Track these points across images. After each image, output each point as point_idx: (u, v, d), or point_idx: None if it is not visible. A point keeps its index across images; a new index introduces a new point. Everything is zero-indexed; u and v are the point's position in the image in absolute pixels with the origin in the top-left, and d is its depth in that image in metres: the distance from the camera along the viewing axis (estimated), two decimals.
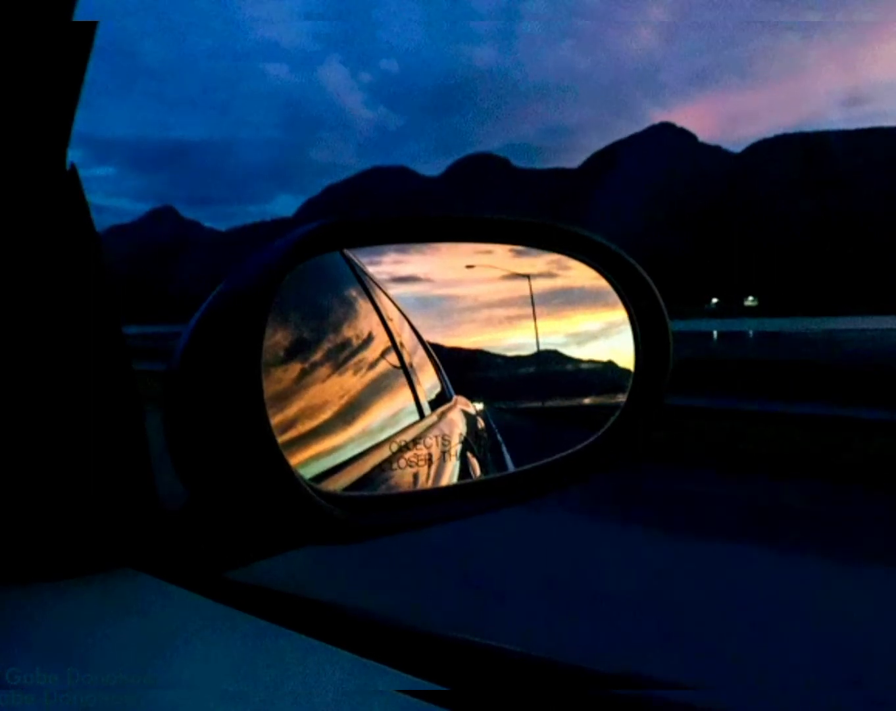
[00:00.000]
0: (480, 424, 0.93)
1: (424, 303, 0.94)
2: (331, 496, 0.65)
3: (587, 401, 1.03)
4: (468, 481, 0.86)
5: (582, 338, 0.99)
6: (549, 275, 0.95)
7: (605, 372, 0.98)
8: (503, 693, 0.59)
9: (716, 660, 2.80)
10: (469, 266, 0.91)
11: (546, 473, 0.84)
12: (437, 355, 0.98)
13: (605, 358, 0.99)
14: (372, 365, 0.89)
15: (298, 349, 0.71)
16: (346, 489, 0.70)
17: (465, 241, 0.87)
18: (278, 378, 0.65)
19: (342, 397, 0.77)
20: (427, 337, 0.98)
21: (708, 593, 3.63)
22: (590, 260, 0.90)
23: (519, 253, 0.92)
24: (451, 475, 0.85)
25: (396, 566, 3.45)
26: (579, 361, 1.00)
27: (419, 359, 0.99)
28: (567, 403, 1.05)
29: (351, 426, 0.78)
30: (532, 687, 0.60)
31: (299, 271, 0.64)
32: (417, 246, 0.85)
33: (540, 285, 0.95)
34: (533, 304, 0.94)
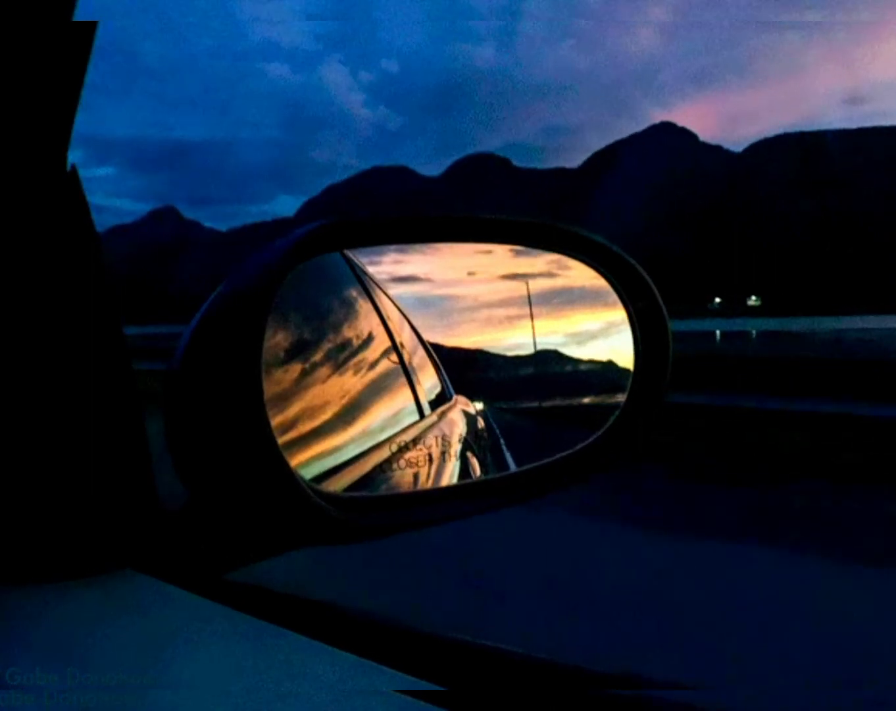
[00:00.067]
0: (480, 424, 0.93)
1: (424, 303, 0.94)
2: (331, 497, 0.65)
3: (587, 401, 1.03)
4: (468, 481, 0.86)
5: (582, 338, 0.99)
6: (549, 275, 0.95)
7: (605, 372, 0.98)
8: (502, 693, 0.59)
9: (716, 661, 2.80)
10: (470, 273, 0.91)
11: (546, 473, 0.84)
12: (437, 355, 0.98)
13: (604, 358, 0.99)
14: (372, 365, 0.89)
15: (299, 350, 0.71)
16: (347, 489, 0.70)
17: (465, 241, 0.87)
18: (278, 379, 0.65)
19: (342, 397, 0.77)
20: (427, 337, 0.98)
21: (708, 592, 3.63)
22: (590, 260, 0.90)
23: (519, 253, 0.92)
24: (451, 475, 0.85)
25: (396, 566, 3.45)
26: (579, 361, 1.00)
27: (419, 359, 0.99)
28: (567, 403, 1.05)
29: (351, 427, 0.78)
30: (531, 687, 0.60)
31: (299, 272, 0.64)
32: (417, 246, 0.85)
33: (540, 284, 0.95)
34: (530, 304, 0.94)
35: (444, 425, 0.96)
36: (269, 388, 0.59)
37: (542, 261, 0.93)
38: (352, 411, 0.79)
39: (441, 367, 0.99)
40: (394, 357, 0.95)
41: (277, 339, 0.65)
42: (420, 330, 0.97)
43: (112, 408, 0.70)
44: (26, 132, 0.67)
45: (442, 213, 0.79)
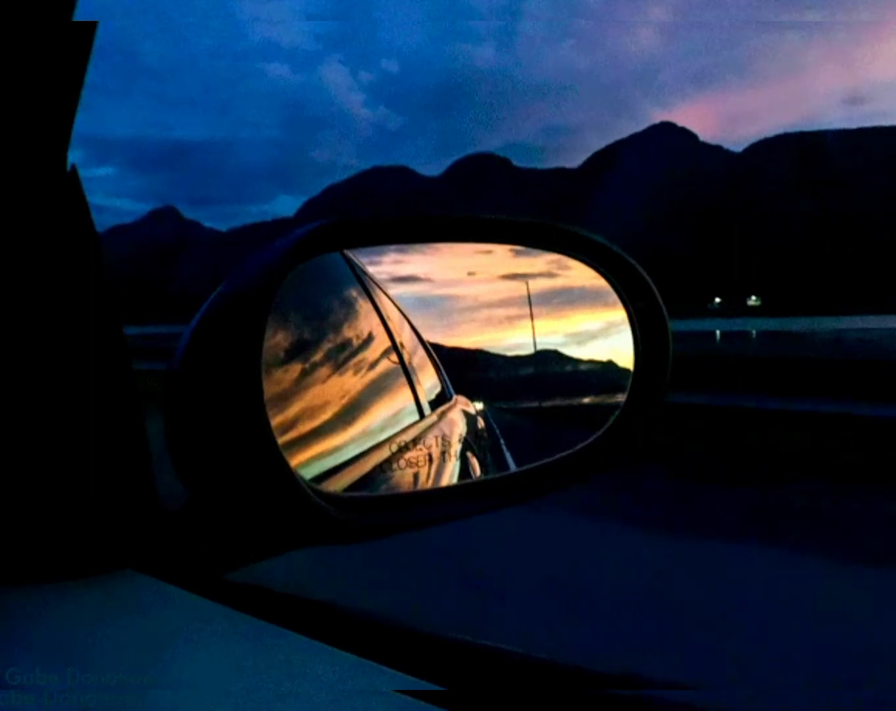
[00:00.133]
0: (480, 424, 0.93)
1: (424, 303, 0.94)
2: (331, 497, 0.65)
3: (587, 401, 1.03)
4: (468, 481, 0.86)
5: (582, 338, 0.99)
6: (549, 275, 0.95)
7: (605, 372, 0.98)
8: (502, 693, 0.59)
9: (716, 661, 2.80)
10: (470, 273, 0.91)
11: (546, 473, 0.84)
12: (437, 355, 0.98)
13: (604, 358, 0.99)
14: (372, 365, 0.89)
15: (299, 350, 0.71)
16: (347, 489, 0.70)
17: (465, 241, 0.87)
18: (278, 379, 0.65)
19: (342, 397, 0.77)
20: (427, 337, 0.98)
21: (707, 592, 3.63)
22: (590, 260, 0.90)
23: (519, 253, 0.92)
24: (451, 475, 0.85)
25: (396, 566, 3.45)
26: (579, 361, 1.00)
27: (419, 359, 0.99)
28: (567, 402, 1.05)
29: (351, 427, 0.78)
30: (531, 687, 0.60)
31: (299, 272, 0.64)
32: (417, 246, 0.85)
33: (540, 284, 0.95)
34: (530, 304, 0.94)
35: (444, 425, 0.96)
36: (269, 388, 0.59)
37: (542, 261, 0.93)
38: (352, 411, 0.79)
39: (441, 367, 0.99)
40: (394, 357, 0.95)
41: (277, 339, 0.65)
42: (420, 330, 0.97)
43: (112, 408, 0.70)
44: (26, 132, 0.67)
45: (442, 213, 0.79)
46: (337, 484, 0.69)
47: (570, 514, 4.71)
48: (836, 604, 3.40)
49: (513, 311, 0.94)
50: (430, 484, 0.81)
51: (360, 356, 0.86)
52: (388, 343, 0.95)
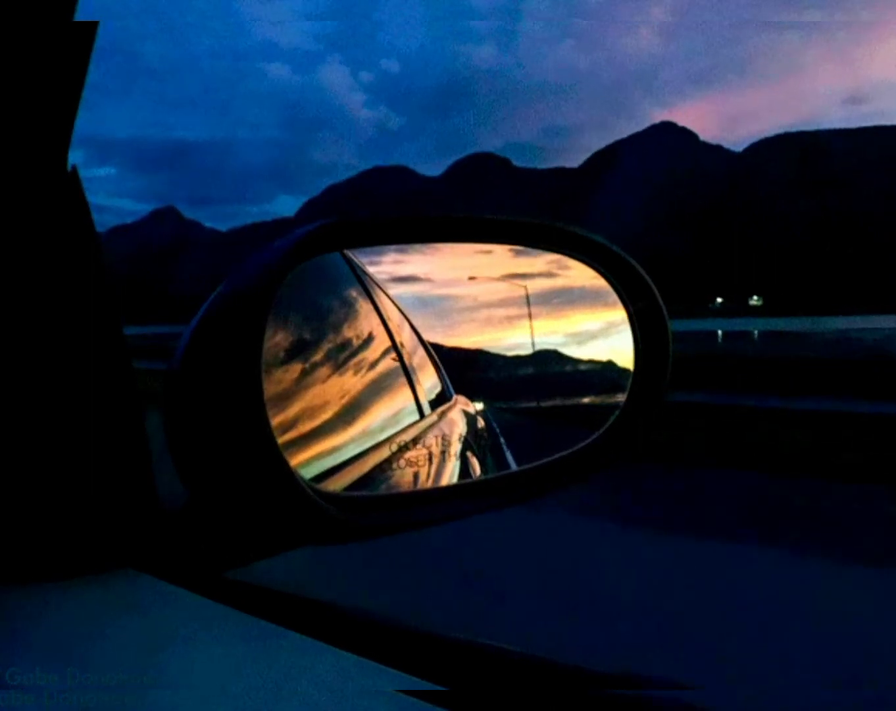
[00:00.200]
0: (480, 423, 0.93)
1: (424, 303, 0.94)
2: (331, 497, 0.66)
3: (587, 401, 1.04)
4: (468, 480, 0.86)
5: (582, 338, 0.99)
6: (549, 275, 0.95)
7: (605, 372, 0.98)
8: (503, 693, 0.59)
9: (715, 661, 2.80)
10: (471, 278, 0.91)
11: (546, 473, 0.84)
12: (437, 354, 0.98)
13: (604, 358, 0.99)
14: (372, 365, 0.89)
15: (299, 350, 0.71)
16: (347, 489, 0.70)
17: (465, 241, 0.87)
18: (279, 379, 0.65)
19: (342, 397, 0.77)
20: (427, 337, 0.98)
21: (706, 592, 3.63)
22: (589, 260, 0.90)
23: (519, 253, 0.92)
24: (451, 474, 0.85)
25: (396, 565, 3.45)
26: (579, 360, 1.00)
27: (419, 359, 0.99)
28: (567, 402, 1.05)
29: (351, 426, 0.78)
30: (532, 687, 0.60)
31: (299, 272, 0.64)
32: (417, 246, 0.85)
33: (540, 284, 0.95)
34: (529, 305, 0.94)
35: (444, 424, 0.96)
36: (269, 388, 0.60)
37: (542, 261, 0.93)
38: (352, 410, 0.79)
39: (441, 367, 0.99)
40: (394, 357, 0.95)
41: (277, 339, 0.65)
42: (420, 330, 0.97)
43: (112, 408, 0.70)
44: (27, 132, 0.67)
45: (442, 213, 0.79)
46: (337, 484, 0.69)
47: (569, 513, 4.71)
48: (835, 604, 3.40)
49: (513, 311, 0.95)
50: (430, 484, 0.81)
51: (360, 356, 0.86)
52: (388, 343, 0.95)
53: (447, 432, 0.92)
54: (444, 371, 1.00)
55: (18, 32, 0.64)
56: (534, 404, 1.01)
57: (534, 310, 0.94)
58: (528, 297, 0.94)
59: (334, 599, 0.71)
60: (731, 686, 2.54)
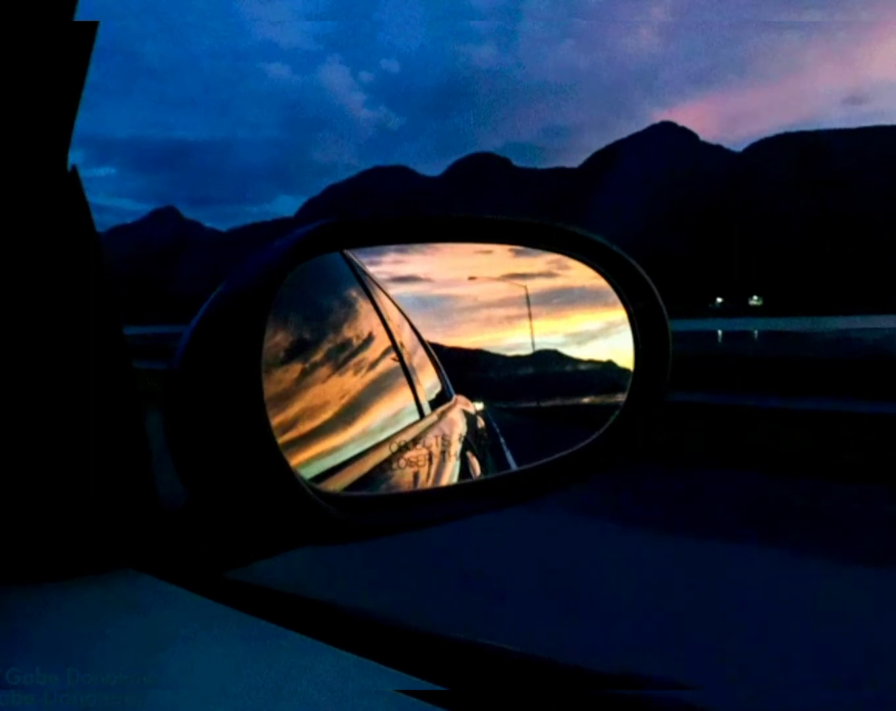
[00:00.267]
0: (480, 423, 0.93)
1: (424, 303, 0.94)
2: (331, 497, 0.66)
3: (587, 401, 1.04)
4: (468, 480, 0.86)
5: (582, 338, 0.99)
6: (549, 275, 0.95)
7: (605, 372, 0.98)
8: (503, 693, 0.59)
9: (715, 661, 2.80)
10: (471, 278, 0.91)
11: (546, 473, 0.84)
12: (437, 354, 0.98)
13: (604, 358, 0.99)
14: (372, 365, 0.89)
15: (299, 350, 0.71)
16: (347, 489, 0.70)
17: (465, 241, 0.87)
18: (279, 379, 0.65)
19: (342, 397, 0.77)
20: (427, 337, 0.98)
21: (705, 591, 3.63)
22: (589, 260, 0.90)
23: (519, 253, 0.92)
24: (451, 474, 0.85)
25: (396, 565, 3.45)
26: (579, 360, 1.00)
27: (419, 359, 0.99)
28: (567, 402, 1.05)
29: (351, 426, 0.78)
30: (532, 687, 0.60)
31: (299, 272, 0.64)
32: (417, 246, 0.85)
33: (540, 284, 0.95)
34: (529, 305, 0.94)
35: (444, 424, 0.96)
36: (269, 388, 0.60)
37: (542, 261, 0.93)
38: (352, 410, 0.79)
39: (441, 367, 0.99)
40: (394, 357, 0.95)
41: (277, 339, 0.65)
42: (420, 330, 0.97)
43: (112, 408, 0.70)
44: (27, 132, 0.67)
45: (442, 213, 0.79)
46: (337, 484, 0.69)
47: (569, 513, 4.71)
48: (835, 604, 3.40)
49: (513, 311, 0.95)
50: (430, 484, 0.81)
51: (360, 356, 0.86)
52: (388, 343, 0.95)
53: (447, 432, 0.92)
54: (444, 371, 1.00)
55: (18, 32, 0.64)
56: (534, 404, 1.01)
57: (534, 310, 0.94)
58: (528, 297, 0.94)
59: (334, 599, 0.71)
60: (731, 686, 2.54)
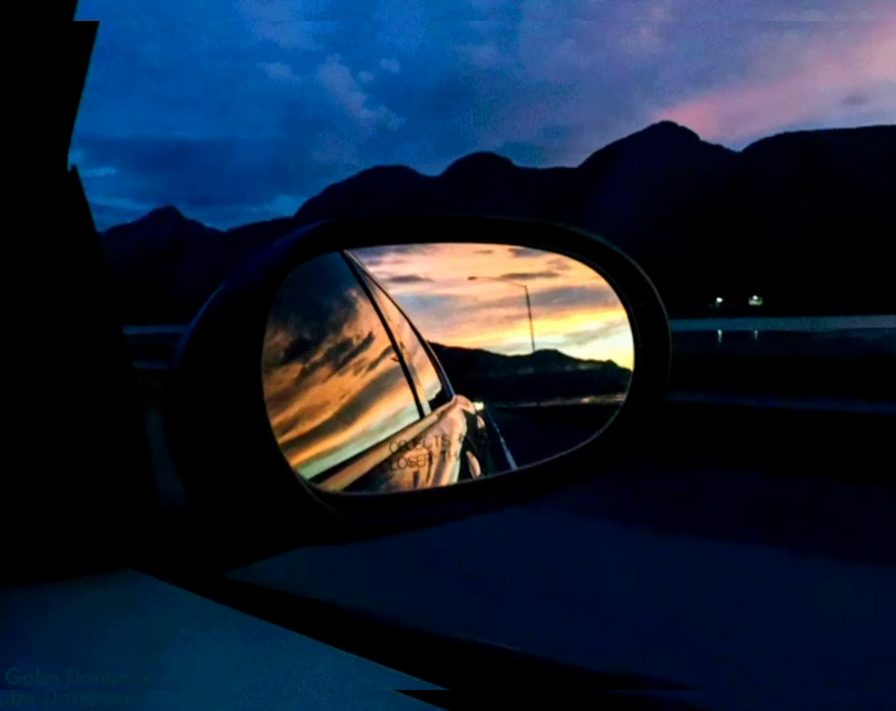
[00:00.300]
0: (480, 423, 0.93)
1: (424, 303, 0.94)
2: (331, 496, 0.66)
3: (587, 401, 1.04)
4: (468, 480, 0.86)
5: (582, 338, 0.99)
6: (549, 275, 0.95)
7: (605, 372, 0.98)
8: (503, 693, 0.59)
9: (715, 661, 2.80)
10: (471, 278, 0.91)
11: (546, 473, 0.84)
12: (437, 354, 0.98)
13: (604, 358, 0.99)
14: (372, 365, 0.89)
15: (299, 350, 0.71)
16: (347, 489, 0.70)
17: (465, 241, 0.87)
18: (279, 379, 0.65)
19: (342, 397, 0.77)
20: (427, 337, 0.98)
21: (705, 591, 3.63)
22: (589, 260, 0.90)
23: (519, 253, 0.92)
24: (451, 474, 0.85)
25: (396, 565, 3.45)
26: (579, 360, 1.00)
27: (419, 359, 0.99)
28: (567, 402, 1.05)
29: (351, 426, 0.78)
30: (532, 687, 0.60)
31: (299, 272, 0.64)
32: (417, 246, 0.85)
33: (540, 284, 0.95)
34: (529, 305, 0.94)
35: (444, 424, 0.96)
36: (269, 388, 0.60)
37: (542, 261, 0.93)
38: (352, 410, 0.79)
39: (441, 367, 0.99)
40: (394, 357, 0.95)
41: (277, 339, 0.65)
42: (420, 330, 0.97)
43: (112, 408, 0.70)
44: (27, 132, 0.67)
45: (442, 213, 0.79)
46: (337, 484, 0.69)
47: (569, 514, 4.71)
48: (835, 604, 3.40)
49: (513, 311, 0.95)
50: (430, 484, 0.81)
51: (360, 356, 0.86)
52: (388, 343, 0.95)
53: (447, 432, 0.92)
54: (444, 371, 1.00)
55: (18, 32, 0.64)
56: (534, 404, 1.01)
57: (534, 310, 0.94)
58: (528, 297, 0.94)
59: (334, 599, 0.71)
60: (731, 686, 2.54)
